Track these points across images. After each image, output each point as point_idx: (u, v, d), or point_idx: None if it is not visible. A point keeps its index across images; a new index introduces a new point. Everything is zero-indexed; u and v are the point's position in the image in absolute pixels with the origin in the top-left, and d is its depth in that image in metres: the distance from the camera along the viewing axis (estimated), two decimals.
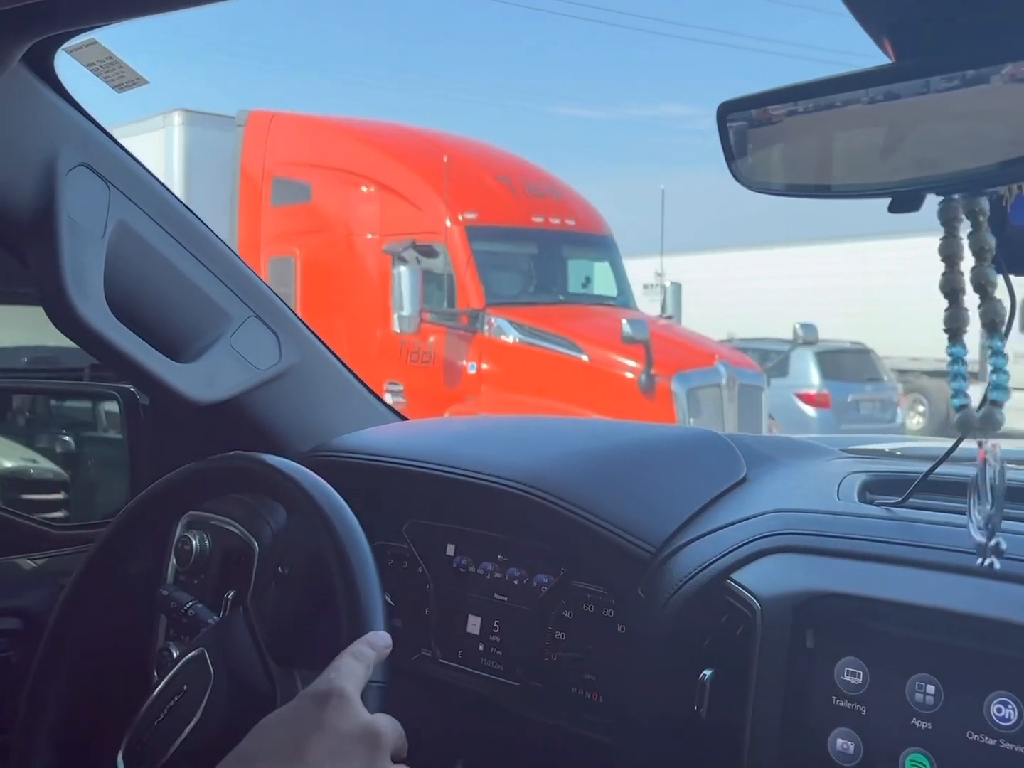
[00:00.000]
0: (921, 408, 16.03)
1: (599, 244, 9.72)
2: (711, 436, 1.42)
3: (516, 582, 1.32)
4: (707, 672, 1.02)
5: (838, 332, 13.77)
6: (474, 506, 1.35)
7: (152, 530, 1.28)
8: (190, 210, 1.44)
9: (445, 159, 8.36)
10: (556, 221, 9.19)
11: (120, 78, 1.27)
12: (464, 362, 8.36)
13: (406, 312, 8.10)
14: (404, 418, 1.70)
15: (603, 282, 9.70)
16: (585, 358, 7.99)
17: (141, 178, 1.36)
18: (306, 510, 1.03)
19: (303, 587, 1.03)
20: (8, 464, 1.67)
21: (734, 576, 1.05)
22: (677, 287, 10.06)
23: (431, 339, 8.46)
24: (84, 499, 1.92)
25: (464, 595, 1.38)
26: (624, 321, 7.73)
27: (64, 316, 1.24)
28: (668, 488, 1.28)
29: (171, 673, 1.13)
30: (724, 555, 1.07)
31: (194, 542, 1.55)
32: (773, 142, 0.91)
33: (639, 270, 19.46)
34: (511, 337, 8.30)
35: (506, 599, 1.33)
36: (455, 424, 1.70)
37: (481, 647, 1.35)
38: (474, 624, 1.37)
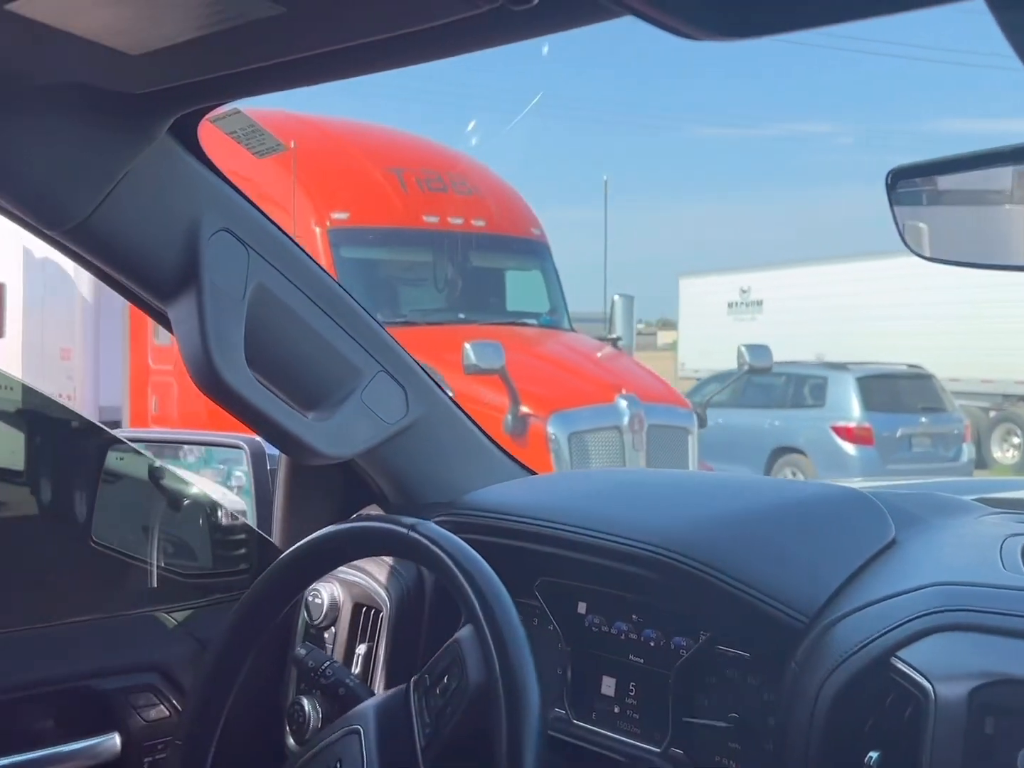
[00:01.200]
0: (1016, 440, 13.89)
1: (521, 250, 7.75)
2: (855, 494, 1.37)
3: (652, 644, 1.30)
4: (873, 754, 0.99)
5: (929, 352, 12.33)
6: (610, 568, 1.33)
7: (293, 592, 1.29)
8: (321, 268, 1.45)
9: (292, 144, 6.17)
10: (457, 221, 7.28)
11: (261, 144, 1.29)
12: None
13: None
14: (530, 469, 1.69)
15: (535, 296, 7.75)
16: (449, 393, 6.26)
17: (277, 240, 1.39)
18: (467, 601, 1.03)
19: (465, 708, 1.03)
20: (214, 495, 1.86)
21: (900, 654, 1.01)
22: (628, 300, 7.81)
23: None
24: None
25: (598, 655, 1.36)
26: (466, 346, 5.76)
27: (209, 379, 1.27)
28: (815, 552, 1.24)
29: (324, 742, 1.13)
30: (888, 631, 1.03)
31: (324, 595, 1.56)
32: (945, 212, 0.88)
33: (728, 287, 18.95)
34: None
35: (642, 661, 1.31)
36: (586, 480, 1.68)
37: (617, 709, 1.33)
38: (608, 685, 1.35)
